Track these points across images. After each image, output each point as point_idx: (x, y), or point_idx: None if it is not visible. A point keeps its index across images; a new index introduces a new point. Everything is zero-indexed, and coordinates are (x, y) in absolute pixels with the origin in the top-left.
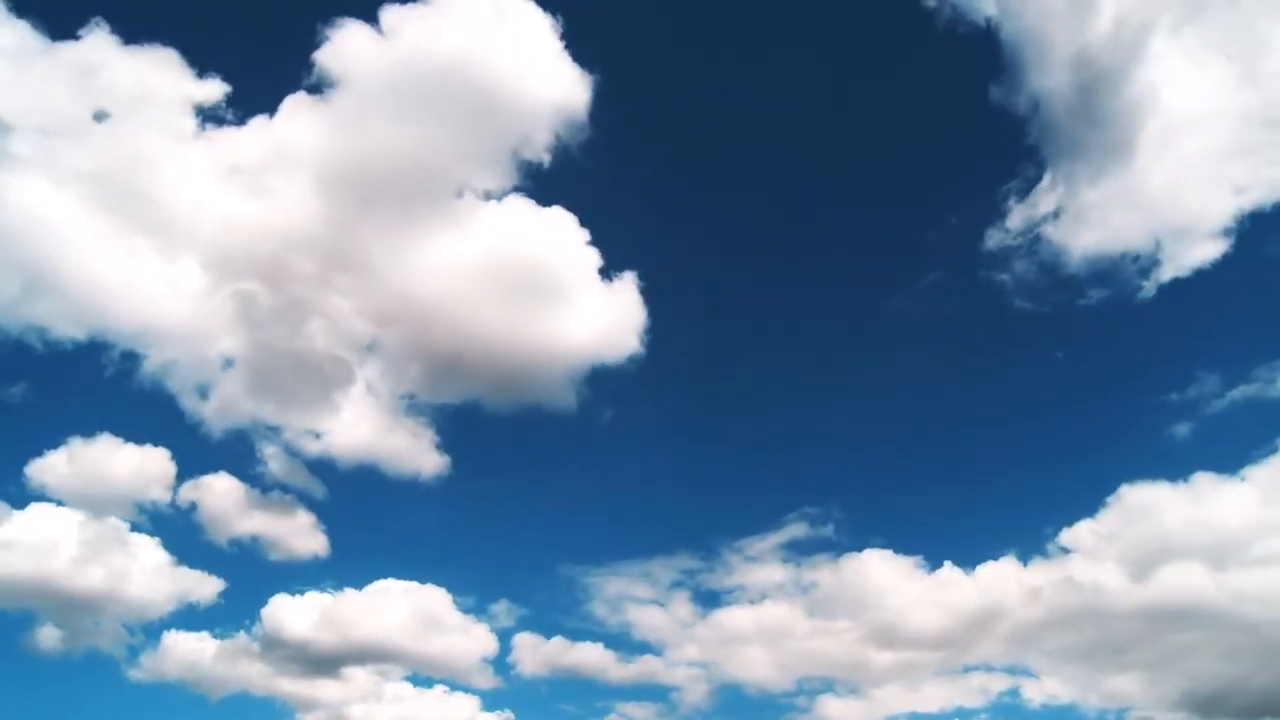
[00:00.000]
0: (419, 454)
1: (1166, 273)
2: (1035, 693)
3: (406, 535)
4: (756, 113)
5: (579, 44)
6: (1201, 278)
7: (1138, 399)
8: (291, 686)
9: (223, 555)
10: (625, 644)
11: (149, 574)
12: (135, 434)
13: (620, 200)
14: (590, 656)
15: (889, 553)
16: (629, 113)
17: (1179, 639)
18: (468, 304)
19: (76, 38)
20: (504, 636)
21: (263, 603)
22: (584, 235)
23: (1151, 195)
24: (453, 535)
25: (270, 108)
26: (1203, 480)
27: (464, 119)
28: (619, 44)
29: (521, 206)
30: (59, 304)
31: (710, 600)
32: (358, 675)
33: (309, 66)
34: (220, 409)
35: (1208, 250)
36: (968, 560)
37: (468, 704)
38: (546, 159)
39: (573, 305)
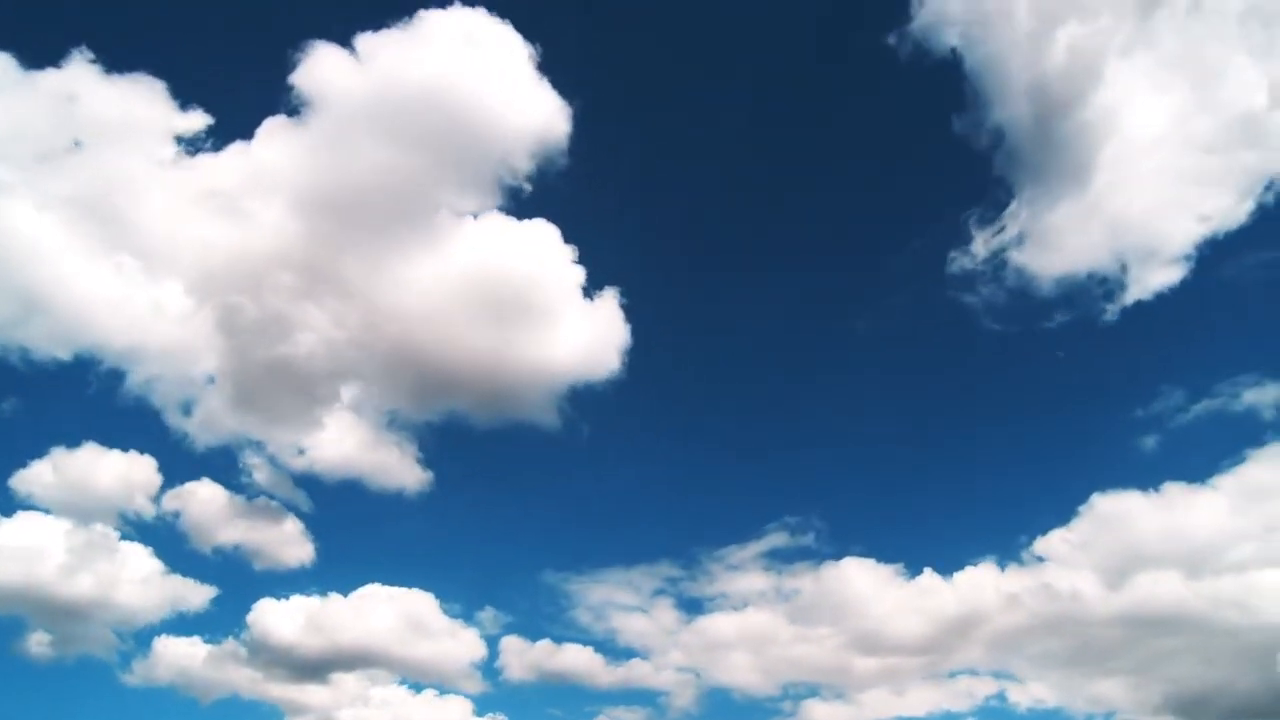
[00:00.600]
0: (403, 470)
1: (1131, 295)
2: (1021, 697)
3: (391, 544)
4: (732, 138)
5: (556, 69)
6: (1163, 301)
7: (1106, 413)
8: (280, 691)
9: (211, 562)
10: (612, 649)
11: (139, 581)
12: (120, 443)
13: (602, 219)
14: (578, 661)
15: (869, 560)
16: (606, 136)
17: (1159, 644)
18: (450, 322)
19: (59, 66)
20: (491, 642)
21: (250, 609)
22: (568, 253)
23: (1112, 217)
24: (437, 545)
25: (248, 133)
26: (1173, 490)
27: (441, 142)
28: (595, 69)
29: (503, 224)
30: (45, 325)
31: (693, 607)
32: (346, 680)
33: (286, 90)
34: (204, 424)
35: (1169, 274)
36: (946, 567)
37: (461, 708)
38: (526, 180)
39: (556, 322)
